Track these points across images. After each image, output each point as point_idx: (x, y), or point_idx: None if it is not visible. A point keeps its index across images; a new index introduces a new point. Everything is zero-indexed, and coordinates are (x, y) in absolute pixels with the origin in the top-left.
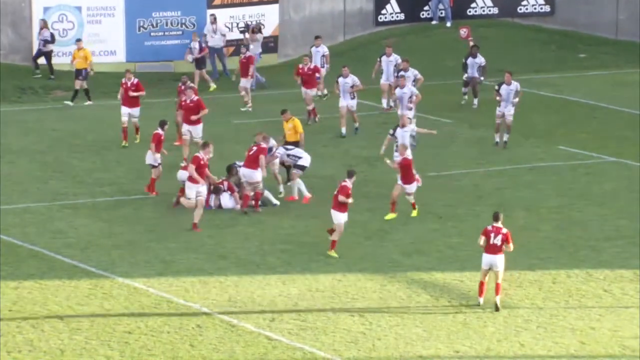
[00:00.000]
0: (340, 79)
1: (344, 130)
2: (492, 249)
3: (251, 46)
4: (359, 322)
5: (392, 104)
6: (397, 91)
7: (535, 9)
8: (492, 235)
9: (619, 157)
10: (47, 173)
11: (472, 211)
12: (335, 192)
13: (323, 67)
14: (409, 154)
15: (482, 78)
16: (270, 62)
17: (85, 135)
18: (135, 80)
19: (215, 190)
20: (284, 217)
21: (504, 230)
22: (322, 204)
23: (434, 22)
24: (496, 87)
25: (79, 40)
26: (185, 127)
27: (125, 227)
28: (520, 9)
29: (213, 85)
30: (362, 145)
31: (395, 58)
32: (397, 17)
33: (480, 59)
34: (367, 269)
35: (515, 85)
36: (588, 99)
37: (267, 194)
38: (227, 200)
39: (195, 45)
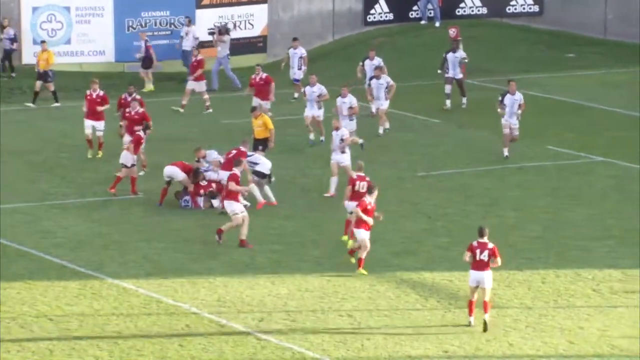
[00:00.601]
0: (307, 88)
1: (311, 136)
2: (479, 266)
3: (219, 48)
4: (348, 322)
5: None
6: (373, 82)
7: (524, 9)
8: (478, 251)
9: (607, 157)
10: (36, 173)
11: (461, 211)
12: (356, 206)
13: (300, 69)
14: (352, 174)
15: (461, 74)
16: (259, 62)
17: (74, 135)
18: (101, 93)
19: (212, 195)
20: (273, 217)
21: (490, 245)
22: (311, 204)
23: (422, 22)
24: (499, 97)
25: (43, 41)
26: (127, 138)
27: (114, 227)
28: (509, 9)
29: (151, 87)
30: (353, 146)
31: (378, 61)
32: (386, 17)
33: (461, 53)
34: (356, 268)
35: (519, 96)
36: (577, 98)
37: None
38: (218, 201)
39: (142, 44)
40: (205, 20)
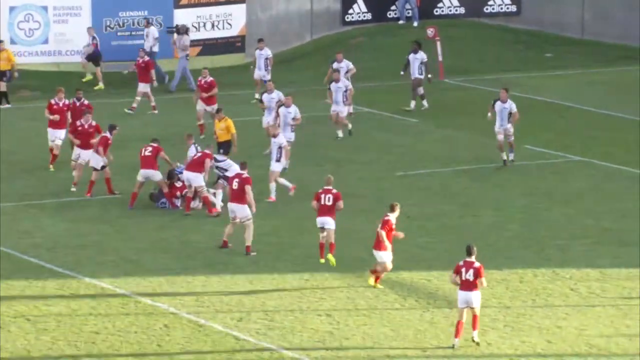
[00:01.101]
0: (265, 95)
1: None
2: (467, 286)
3: (180, 50)
4: (327, 322)
5: (351, 110)
6: (332, 86)
7: (501, 8)
8: (463, 270)
9: (584, 157)
10: (14, 173)
11: (439, 211)
12: (379, 229)
13: (267, 70)
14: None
15: (430, 76)
16: (237, 62)
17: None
18: (67, 102)
19: (194, 195)
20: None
21: (477, 265)
22: (290, 204)
23: (401, 22)
24: (491, 102)
25: (0, 41)
26: (77, 151)
27: (92, 227)
28: (487, 9)
29: (101, 85)
30: (332, 146)
31: (346, 64)
32: (364, 16)
33: (422, 55)
34: (335, 269)
35: (510, 104)
36: (554, 98)
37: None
38: (196, 201)
39: (89, 41)
40: (184, 20)
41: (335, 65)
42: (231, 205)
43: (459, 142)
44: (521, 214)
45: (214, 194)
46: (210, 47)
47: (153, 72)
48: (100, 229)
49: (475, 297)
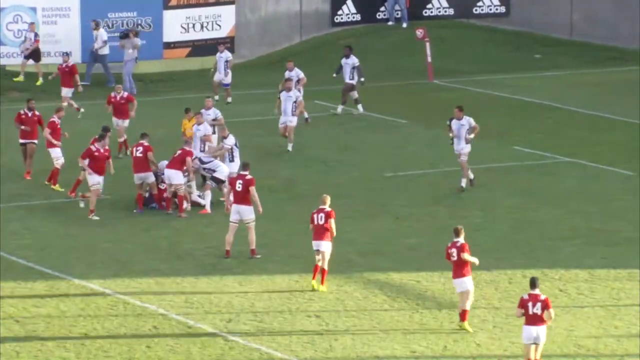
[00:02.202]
0: (203, 111)
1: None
2: (533, 320)
3: (130, 50)
4: (316, 323)
5: (306, 116)
6: (282, 94)
7: (490, 9)
8: (530, 304)
9: (573, 158)
10: (2, 174)
11: (428, 211)
12: (456, 258)
13: (226, 73)
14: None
15: (362, 79)
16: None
17: (39, 135)
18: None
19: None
20: None
21: (542, 297)
22: (278, 205)
23: (390, 23)
24: (448, 122)
25: None
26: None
27: (81, 228)
28: (476, 10)
29: (41, 80)
30: (320, 145)
31: (296, 73)
32: (354, 17)
33: (353, 60)
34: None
35: (467, 120)
36: (543, 99)
37: (195, 197)
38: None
39: (31, 36)
40: (173, 21)
41: (286, 74)
42: (236, 207)
43: (448, 143)
44: (510, 214)
45: (200, 196)
46: (199, 48)
47: (77, 76)
48: (90, 230)
49: (542, 332)
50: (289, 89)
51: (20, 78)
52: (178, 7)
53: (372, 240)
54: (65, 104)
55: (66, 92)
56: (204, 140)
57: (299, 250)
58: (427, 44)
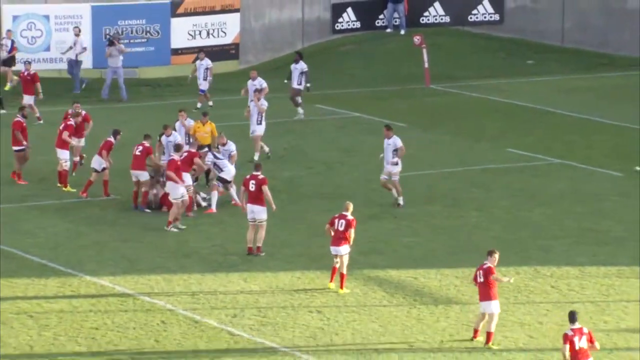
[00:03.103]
0: (249, 82)
1: None
2: (581, 356)
3: (119, 57)
4: (318, 318)
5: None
6: (251, 105)
7: (485, 17)
8: (576, 339)
9: (564, 160)
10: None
11: (425, 211)
12: (483, 280)
13: (206, 79)
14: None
15: (308, 85)
16: (232, 68)
17: (50, 138)
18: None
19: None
20: (244, 217)
21: (586, 330)
22: (280, 205)
23: (388, 30)
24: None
25: None
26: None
27: (91, 227)
28: (471, 18)
29: (9, 85)
30: (321, 148)
31: (259, 82)
32: (354, 25)
33: (302, 65)
34: (326, 267)
35: (394, 140)
36: (535, 104)
37: (198, 198)
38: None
39: (8, 42)
40: (181, 28)
41: (249, 83)
42: (250, 207)
43: (445, 145)
44: (504, 214)
45: (205, 198)
46: (205, 54)
47: (39, 84)
48: (100, 230)
49: None
50: (257, 99)
51: (8, 87)
52: (185, 14)
53: (371, 239)
54: (29, 111)
55: (27, 99)
56: (176, 148)
57: (301, 249)
58: (424, 50)
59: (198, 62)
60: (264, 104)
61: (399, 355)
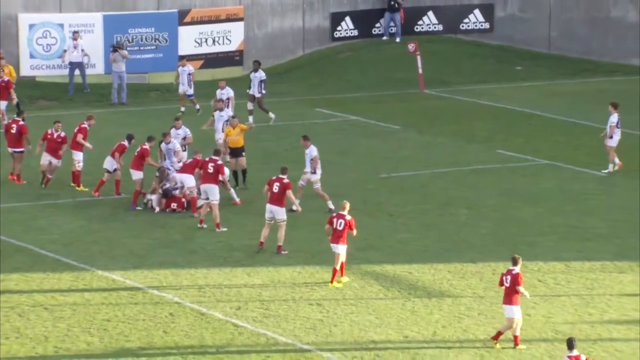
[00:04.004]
0: (163, 144)
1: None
2: None
3: (123, 63)
4: (317, 311)
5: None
6: (216, 114)
7: (476, 26)
8: None
9: (551, 160)
10: (31, 175)
11: (419, 209)
12: (508, 284)
13: (190, 85)
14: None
15: (263, 92)
16: (236, 74)
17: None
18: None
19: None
20: (248, 215)
21: (583, 357)
22: None
23: (385, 38)
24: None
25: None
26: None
27: (103, 224)
28: (463, 26)
29: None
30: (320, 149)
31: (227, 91)
32: (352, 33)
33: (261, 74)
34: (325, 262)
35: (310, 150)
36: (524, 107)
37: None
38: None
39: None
40: (188, 36)
41: (218, 93)
42: (270, 207)
43: (438, 147)
44: (494, 212)
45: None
46: (211, 60)
47: (12, 91)
48: (111, 227)
49: None
50: (221, 109)
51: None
52: (192, 23)
53: (368, 236)
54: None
55: (2, 104)
56: (175, 155)
57: (301, 245)
58: (419, 57)
59: (180, 68)
60: (229, 113)
61: (394, 345)
